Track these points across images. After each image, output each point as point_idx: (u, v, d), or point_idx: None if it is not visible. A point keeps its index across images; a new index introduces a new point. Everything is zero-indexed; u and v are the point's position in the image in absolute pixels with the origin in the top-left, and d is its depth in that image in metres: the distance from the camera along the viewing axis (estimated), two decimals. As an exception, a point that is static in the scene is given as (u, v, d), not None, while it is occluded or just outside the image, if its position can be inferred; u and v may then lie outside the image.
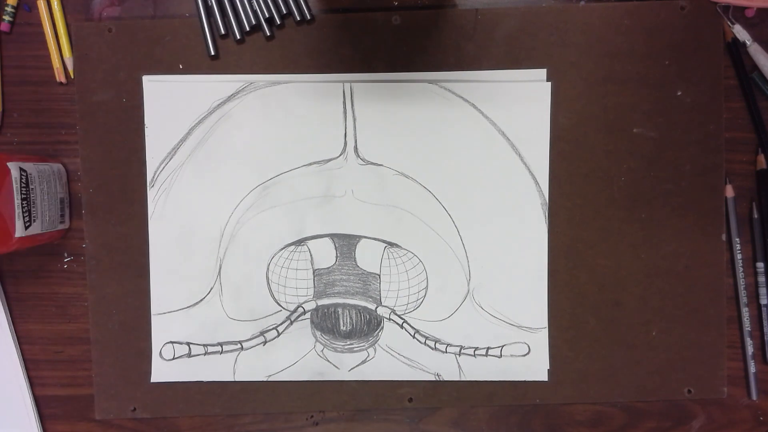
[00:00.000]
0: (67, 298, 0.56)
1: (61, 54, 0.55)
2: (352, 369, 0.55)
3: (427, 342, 0.54)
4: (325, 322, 0.54)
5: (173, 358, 0.55)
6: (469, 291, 0.54)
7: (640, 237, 0.54)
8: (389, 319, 0.54)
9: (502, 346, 0.54)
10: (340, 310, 0.54)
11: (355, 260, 0.54)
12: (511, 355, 0.54)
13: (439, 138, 0.54)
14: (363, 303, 0.54)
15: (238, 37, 0.54)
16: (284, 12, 0.54)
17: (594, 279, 0.55)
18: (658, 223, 0.54)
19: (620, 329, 0.55)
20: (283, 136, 0.54)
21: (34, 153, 0.56)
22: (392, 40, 0.54)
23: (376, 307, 0.54)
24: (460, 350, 0.54)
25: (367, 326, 0.54)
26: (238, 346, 0.55)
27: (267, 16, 0.54)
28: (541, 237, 0.54)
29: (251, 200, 0.54)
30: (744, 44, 0.54)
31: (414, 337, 0.54)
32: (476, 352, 0.55)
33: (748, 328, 0.55)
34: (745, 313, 0.55)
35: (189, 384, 0.55)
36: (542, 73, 0.54)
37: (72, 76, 0.55)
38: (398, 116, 0.54)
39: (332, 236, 0.54)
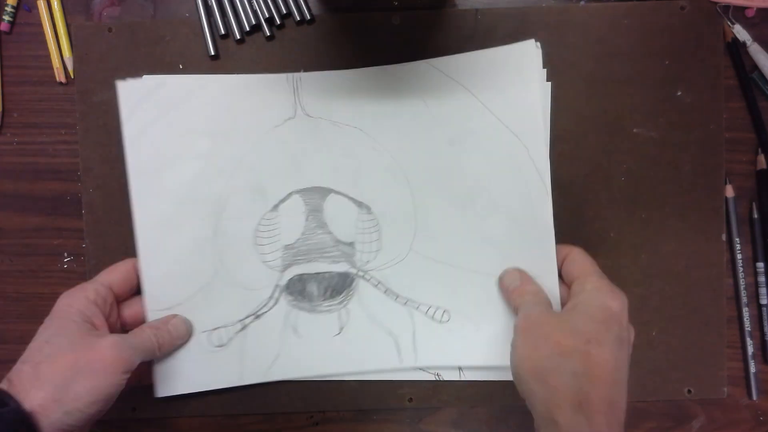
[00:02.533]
0: (67, 298, 0.56)
1: (61, 54, 0.55)
2: (352, 369, 0.55)
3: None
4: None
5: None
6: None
7: (640, 237, 0.54)
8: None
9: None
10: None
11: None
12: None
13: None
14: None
15: (238, 37, 0.54)
16: (284, 12, 0.54)
17: (594, 279, 0.54)
18: (658, 223, 0.54)
19: (620, 329, 0.54)
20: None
21: (34, 153, 0.56)
22: (392, 40, 0.54)
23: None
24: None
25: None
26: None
27: (267, 16, 0.54)
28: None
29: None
30: (744, 44, 0.54)
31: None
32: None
33: (748, 328, 0.55)
34: (745, 313, 0.55)
35: (189, 384, 0.55)
36: (542, 73, 0.54)
37: (72, 76, 0.55)
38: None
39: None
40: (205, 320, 0.53)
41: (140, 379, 0.52)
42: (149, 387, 0.55)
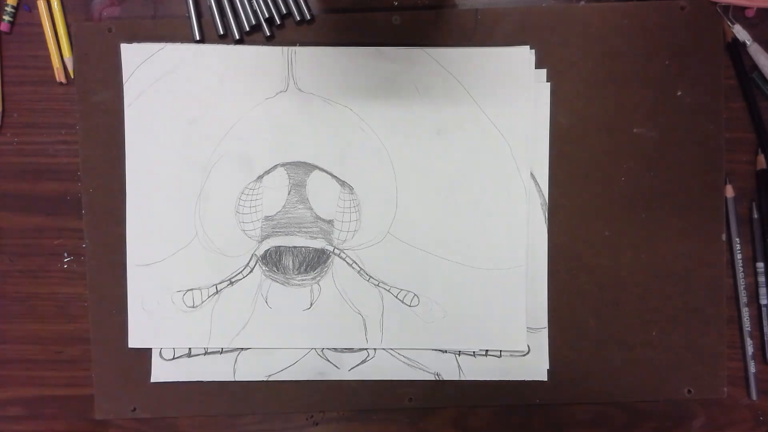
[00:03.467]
0: (67, 298, 0.56)
1: (61, 54, 0.55)
2: (352, 369, 0.55)
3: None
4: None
5: (173, 358, 0.55)
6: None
7: (640, 237, 0.54)
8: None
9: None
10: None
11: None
12: (511, 355, 0.54)
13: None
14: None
15: (237, 37, 0.54)
16: (284, 12, 0.54)
17: (594, 279, 0.55)
18: (658, 223, 0.54)
19: (620, 329, 0.55)
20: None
21: (34, 153, 0.56)
22: (392, 40, 0.54)
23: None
24: (460, 351, 0.54)
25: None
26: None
27: (267, 16, 0.54)
28: (541, 237, 0.54)
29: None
30: (744, 44, 0.54)
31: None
32: (476, 353, 0.55)
33: (748, 328, 0.55)
34: (745, 313, 0.55)
35: (189, 384, 0.55)
36: (542, 73, 0.54)
37: (72, 76, 0.55)
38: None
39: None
40: (181, 281, 0.55)
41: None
42: (149, 387, 0.55)
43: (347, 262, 0.54)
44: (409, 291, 0.54)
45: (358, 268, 0.54)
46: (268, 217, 0.54)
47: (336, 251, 0.54)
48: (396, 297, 0.54)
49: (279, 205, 0.54)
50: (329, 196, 0.54)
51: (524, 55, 0.54)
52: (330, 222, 0.54)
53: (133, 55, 0.54)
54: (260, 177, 0.54)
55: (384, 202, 0.54)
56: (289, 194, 0.54)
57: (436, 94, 0.54)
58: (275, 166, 0.54)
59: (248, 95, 0.54)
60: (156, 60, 0.54)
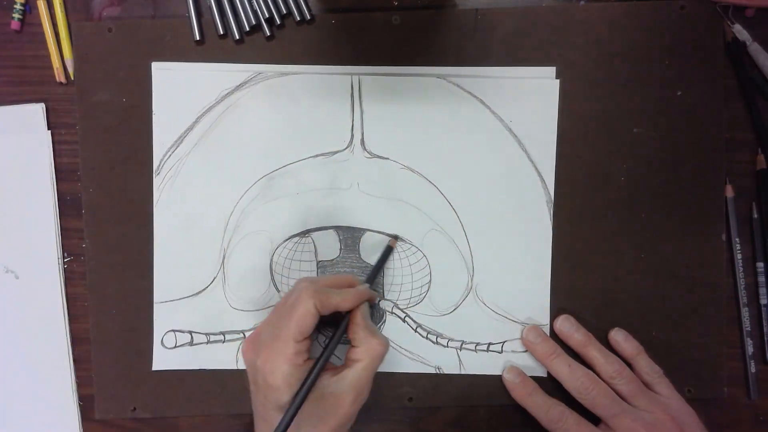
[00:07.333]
0: (67, 298, 0.56)
1: (61, 54, 0.55)
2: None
3: (429, 337, 0.54)
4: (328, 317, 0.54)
5: (175, 347, 0.54)
6: (472, 286, 0.54)
7: (640, 237, 0.54)
8: (391, 312, 0.54)
9: (504, 342, 0.54)
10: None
11: (359, 253, 0.54)
12: (512, 351, 0.54)
13: (447, 133, 0.54)
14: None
15: (237, 37, 0.54)
16: (284, 12, 0.54)
17: (594, 279, 0.54)
18: (658, 223, 0.54)
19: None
20: (289, 128, 0.54)
21: (34, 153, 0.56)
22: (392, 40, 0.54)
23: (379, 301, 0.54)
24: (461, 345, 0.54)
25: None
26: (241, 335, 0.54)
27: (267, 16, 0.54)
28: (545, 234, 0.54)
29: (257, 190, 0.54)
30: (744, 44, 0.54)
31: (416, 331, 0.54)
32: (477, 348, 0.54)
33: (748, 328, 0.55)
34: (745, 313, 0.55)
35: (190, 383, 0.55)
36: (551, 71, 0.54)
37: (72, 77, 0.55)
38: (406, 110, 0.54)
39: (337, 228, 0.54)
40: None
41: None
42: (149, 387, 0.55)
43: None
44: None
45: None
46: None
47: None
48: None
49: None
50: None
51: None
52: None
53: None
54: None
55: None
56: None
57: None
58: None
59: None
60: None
